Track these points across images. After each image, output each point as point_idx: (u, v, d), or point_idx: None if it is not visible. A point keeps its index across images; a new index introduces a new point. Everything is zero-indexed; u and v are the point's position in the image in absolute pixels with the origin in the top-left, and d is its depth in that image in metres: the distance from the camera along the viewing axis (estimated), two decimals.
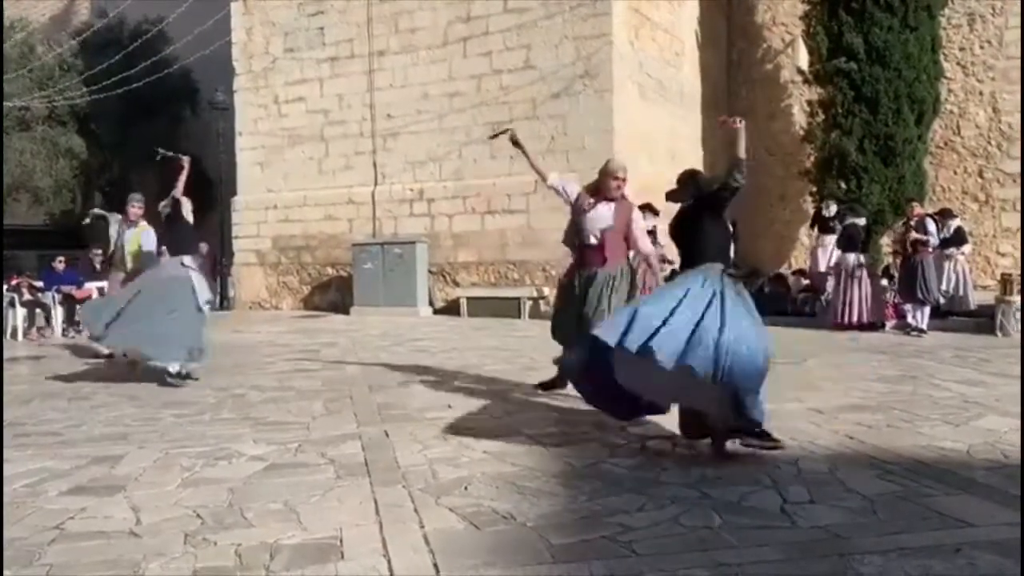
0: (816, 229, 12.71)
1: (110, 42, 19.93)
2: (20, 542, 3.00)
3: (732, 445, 3.98)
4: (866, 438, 4.39)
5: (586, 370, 4.21)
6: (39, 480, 3.86)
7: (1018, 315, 9.65)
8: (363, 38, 14.88)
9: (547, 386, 5.85)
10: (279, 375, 7.24)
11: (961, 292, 10.79)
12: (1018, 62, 13.96)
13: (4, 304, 11.27)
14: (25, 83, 19.20)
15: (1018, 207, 14.18)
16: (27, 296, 11.76)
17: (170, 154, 7.59)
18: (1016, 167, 14.25)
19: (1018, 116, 13.99)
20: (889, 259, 12.66)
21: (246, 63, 16.27)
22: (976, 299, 10.82)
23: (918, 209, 10.65)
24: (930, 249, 10.11)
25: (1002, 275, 10.72)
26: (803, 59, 14.22)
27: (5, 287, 11.51)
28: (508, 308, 12.93)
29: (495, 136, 6.72)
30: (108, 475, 3.94)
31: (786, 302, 12.08)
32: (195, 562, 2.79)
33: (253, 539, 2.99)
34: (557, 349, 5.78)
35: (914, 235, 10.03)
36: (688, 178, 4.34)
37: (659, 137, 14.24)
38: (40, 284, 12.18)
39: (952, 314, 10.55)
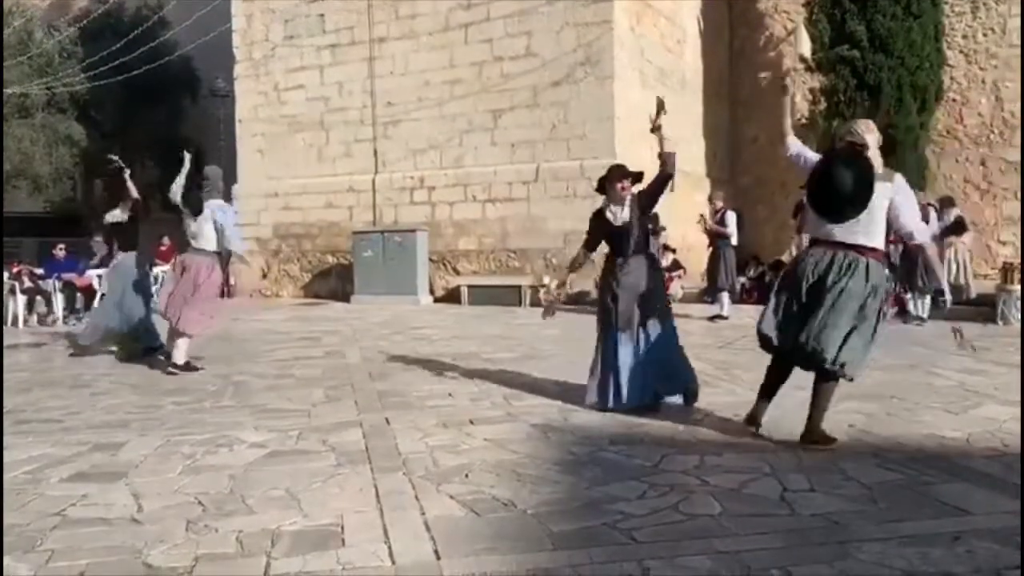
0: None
1: (110, 28, 19.84)
2: (21, 528, 3.02)
3: None
4: (866, 426, 4.40)
5: None
6: (40, 467, 3.87)
7: (1019, 304, 9.64)
8: (363, 25, 14.81)
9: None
10: (279, 363, 7.25)
11: (962, 281, 10.77)
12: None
13: (4, 292, 11.26)
14: (24, 70, 19.12)
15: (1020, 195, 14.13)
16: (28, 283, 11.75)
17: (116, 161, 8.28)
18: (1019, 155, 14.19)
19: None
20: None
21: (246, 50, 16.20)
22: (977, 288, 10.80)
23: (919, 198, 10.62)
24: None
25: (1003, 264, 10.69)
26: (805, 47, 14.13)
27: (6, 275, 11.50)
28: (509, 296, 12.92)
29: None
30: (109, 462, 3.95)
31: None
32: (196, 548, 2.80)
33: (254, 526, 3.00)
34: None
35: None
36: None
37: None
38: (41, 271, 12.17)
39: (953, 303, 10.53)
